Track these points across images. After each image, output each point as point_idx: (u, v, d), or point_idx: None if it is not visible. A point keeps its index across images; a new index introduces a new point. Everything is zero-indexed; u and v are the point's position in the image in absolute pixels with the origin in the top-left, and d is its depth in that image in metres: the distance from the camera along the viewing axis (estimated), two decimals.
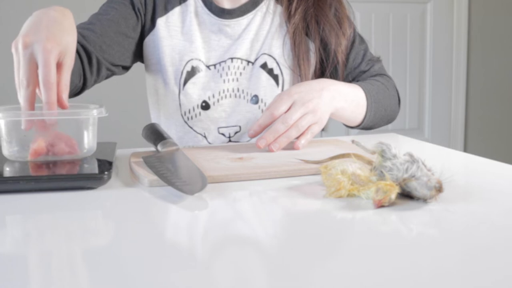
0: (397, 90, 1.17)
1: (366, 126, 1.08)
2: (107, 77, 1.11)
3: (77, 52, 0.99)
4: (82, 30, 1.03)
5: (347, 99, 0.98)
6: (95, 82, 1.07)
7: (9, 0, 2.65)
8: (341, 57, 1.12)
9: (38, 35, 0.74)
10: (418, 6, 3.23)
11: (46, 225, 0.57)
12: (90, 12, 1.15)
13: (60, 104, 0.76)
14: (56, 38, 0.75)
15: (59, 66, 0.76)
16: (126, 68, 1.14)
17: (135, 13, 1.11)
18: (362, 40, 1.17)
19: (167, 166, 0.75)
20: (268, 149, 0.89)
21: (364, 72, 1.15)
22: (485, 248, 0.48)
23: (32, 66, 0.74)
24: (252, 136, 0.93)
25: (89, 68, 1.03)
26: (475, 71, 3.34)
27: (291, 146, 0.91)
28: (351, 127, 1.09)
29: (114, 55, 1.07)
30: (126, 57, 1.11)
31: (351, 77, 1.15)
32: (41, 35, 0.74)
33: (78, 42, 0.99)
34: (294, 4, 1.13)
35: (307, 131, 0.91)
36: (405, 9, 3.20)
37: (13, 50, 0.77)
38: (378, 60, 1.18)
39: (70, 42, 0.78)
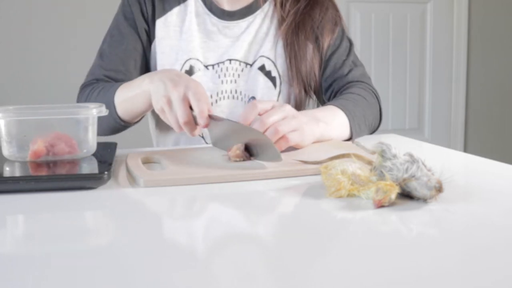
0: (377, 97, 1.13)
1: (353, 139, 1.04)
2: None
3: None
4: (109, 73, 1.12)
5: (327, 122, 0.95)
6: None
7: (9, 0, 2.65)
8: (325, 52, 1.13)
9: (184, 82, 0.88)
10: (418, 6, 3.23)
11: (46, 225, 0.57)
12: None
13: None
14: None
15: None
16: None
17: (139, 37, 1.14)
18: (349, 45, 1.16)
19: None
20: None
21: (343, 76, 1.13)
22: (485, 248, 0.48)
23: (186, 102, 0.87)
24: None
25: None
26: (475, 71, 3.34)
27: (290, 148, 0.91)
28: None
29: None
30: (146, 71, 1.17)
31: (331, 80, 1.14)
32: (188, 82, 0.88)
33: None
34: (286, 8, 1.13)
35: (283, 139, 0.84)
36: (405, 9, 3.20)
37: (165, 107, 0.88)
38: (359, 64, 1.16)
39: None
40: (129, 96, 0.99)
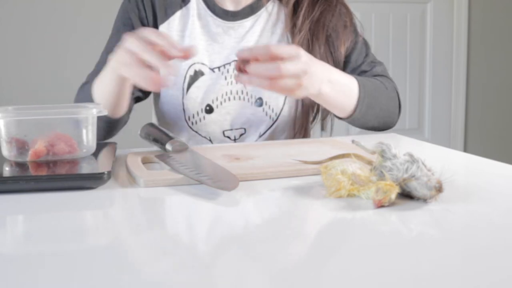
0: (398, 93, 1.13)
1: (357, 119, 1.03)
2: (136, 103, 1.16)
3: None
4: None
5: (340, 82, 0.95)
6: (130, 114, 1.11)
7: (9, 0, 2.65)
8: (343, 59, 1.12)
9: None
10: (418, 6, 3.23)
11: (46, 225, 0.57)
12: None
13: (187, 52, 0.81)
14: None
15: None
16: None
17: None
18: (365, 43, 1.17)
19: (188, 164, 0.75)
20: (242, 81, 0.82)
21: (365, 72, 1.13)
22: (485, 248, 0.48)
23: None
24: (239, 57, 0.83)
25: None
26: (475, 71, 3.34)
27: (288, 147, 0.91)
28: (341, 118, 1.05)
29: (136, 86, 1.10)
30: None
31: None
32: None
33: None
34: (300, 18, 1.11)
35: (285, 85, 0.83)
36: (405, 9, 3.20)
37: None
38: (380, 63, 1.16)
39: None
40: (102, 83, 0.95)
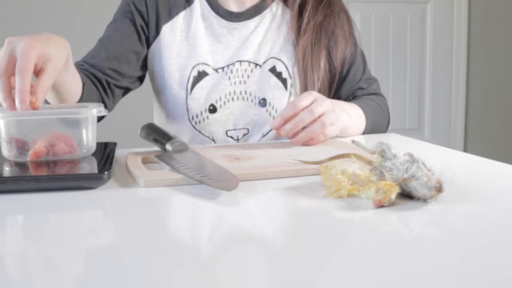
0: (388, 111, 1.21)
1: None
2: (124, 94, 1.17)
3: (91, 81, 1.05)
4: (89, 59, 1.09)
5: (351, 116, 1.04)
6: (114, 103, 1.14)
7: (9, 0, 2.65)
8: (339, 67, 1.15)
9: (24, 37, 0.75)
10: (418, 6, 3.23)
11: (46, 225, 0.57)
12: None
13: (32, 105, 0.74)
14: (41, 42, 0.76)
15: (40, 71, 0.76)
16: (139, 81, 1.18)
17: (136, 30, 1.13)
18: (363, 58, 1.20)
19: (188, 164, 0.75)
20: (294, 141, 0.92)
21: (362, 89, 1.18)
22: (485, 248, 0.48)
23: (11, 58, 0.74)
24: (276, 128, 0.93)
25: (104, 94, 1.09)
26: (475, 71, 3.34)
27: (288, 147, 0.91)
28: None
29: (124, 74, 1.12)
30: (136, 71, 1.14)
31: (350, 92, 1.18)
32: (26, 38, 0.75)
33: (87, 71, 1.06)
34: (305, 20, 1.13)
35: (322, 134, 0.93)
36: (405, 9, 3.20)
37: None
38: (375, 79, 1.22)
39: (54, 52, 0.77)
40: None
